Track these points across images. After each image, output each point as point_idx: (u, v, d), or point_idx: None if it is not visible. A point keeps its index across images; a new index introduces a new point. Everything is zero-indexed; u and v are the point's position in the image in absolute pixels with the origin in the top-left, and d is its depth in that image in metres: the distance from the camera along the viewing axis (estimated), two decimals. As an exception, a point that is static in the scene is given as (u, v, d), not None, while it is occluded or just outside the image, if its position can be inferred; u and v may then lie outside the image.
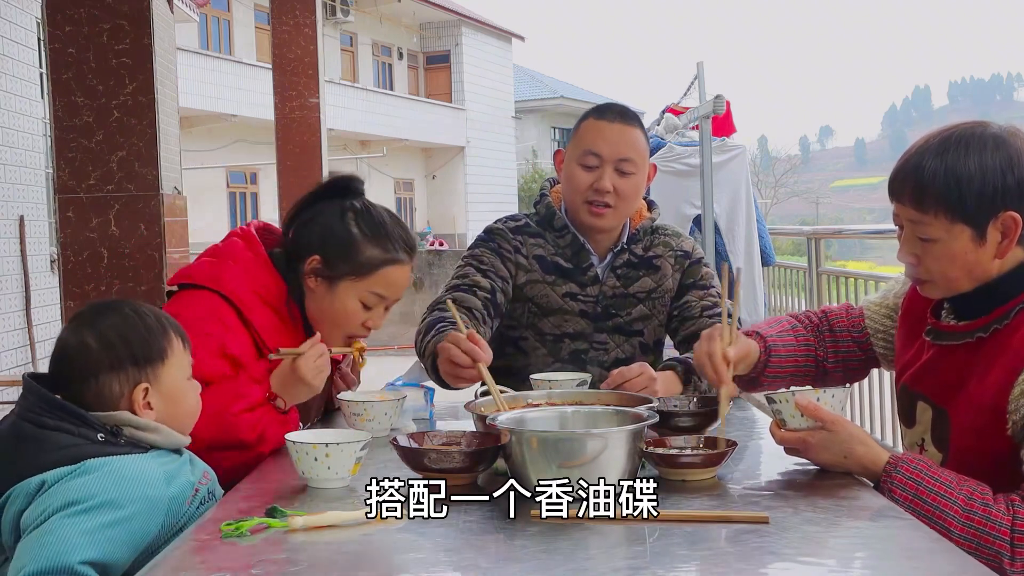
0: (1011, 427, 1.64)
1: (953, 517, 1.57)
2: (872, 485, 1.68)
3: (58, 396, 1.63)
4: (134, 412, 1.65)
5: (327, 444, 1.63)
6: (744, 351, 1.94)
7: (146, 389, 1.66)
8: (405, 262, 2.11)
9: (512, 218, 2.53)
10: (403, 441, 1.68)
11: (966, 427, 1.73)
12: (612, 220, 2.38)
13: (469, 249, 2.50)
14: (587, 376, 2.22)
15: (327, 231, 2.07)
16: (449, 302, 2.18)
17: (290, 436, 1.69)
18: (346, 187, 2.14)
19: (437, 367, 2.15)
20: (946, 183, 1.66)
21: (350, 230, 2.07)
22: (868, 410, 4.87)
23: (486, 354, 1.99)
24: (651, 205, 2.56)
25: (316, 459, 1.63)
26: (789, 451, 1.77)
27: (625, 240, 2.45)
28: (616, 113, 2.38)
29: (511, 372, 2.41)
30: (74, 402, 1.63)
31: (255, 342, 2.01)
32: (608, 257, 2.45)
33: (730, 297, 1.95)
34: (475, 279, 2.39)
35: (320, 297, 2.08)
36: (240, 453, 1.88)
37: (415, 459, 1.64)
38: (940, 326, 1.81)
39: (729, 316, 1.90)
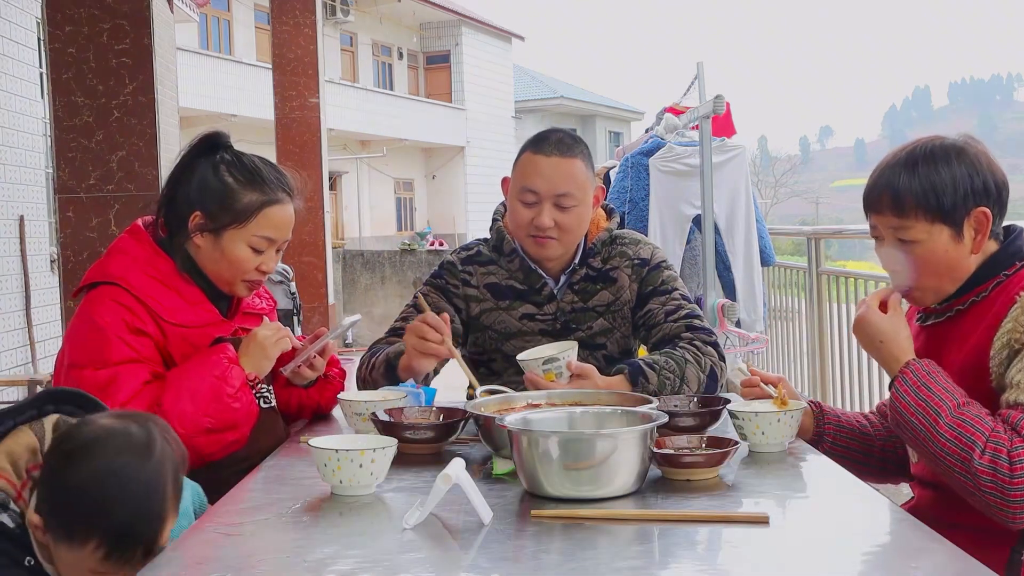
0: (994, 379, 1.75)
1: (945, 408, 1.70)
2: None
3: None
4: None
5: (374, 449, 1.62)
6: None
7: (49, 546, 1.50)
8: (285, 201, 2.14)
9: (466, 248, 2.58)
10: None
11: None
12: (558, 250, 2.38)
13: (424, 283, 2.55)
14: (572, 344, 2.22)
15: (202, 186, 2.11)
16: (420, 296, 2.35)
17: (317, 443, 1.66)
18: (213, 144, 2.16)
19: (390, 373, 2.27)
20: (923, 190, 1.82)
21: (225, 180, 2.11)
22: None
23: (450, 336, 2.18)
24: (610, 213, 2.54)
25: (361, 465, 1.61)
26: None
27: (578, 260, 2.44)
28: (553, 145, 2.33)
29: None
30: None
31: (154, 320, 2.06)
32: (563, 278, 2.45)
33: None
34: None
35: (209, 251, 2.11)
36: (233, 432, 2.03)
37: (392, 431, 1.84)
38: (928, 309, 1.95)
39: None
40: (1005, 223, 1.90)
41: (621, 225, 2.58)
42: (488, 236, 2.54)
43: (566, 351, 2.18)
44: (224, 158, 2.13)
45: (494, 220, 2.52)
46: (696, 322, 2.39)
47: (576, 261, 2.43)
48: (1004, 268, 1.83)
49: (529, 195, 2.32)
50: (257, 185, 2.11)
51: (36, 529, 1.48)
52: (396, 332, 2.49)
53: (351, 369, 2.43)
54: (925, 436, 1.71)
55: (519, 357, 2.21)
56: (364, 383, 2.36)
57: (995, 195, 1.83)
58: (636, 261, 2.45)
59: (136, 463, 1.46)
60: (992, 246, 1.86)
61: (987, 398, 1.75)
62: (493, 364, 2.47)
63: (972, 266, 1.85)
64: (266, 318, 2.24)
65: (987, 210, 1.81)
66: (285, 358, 2.19)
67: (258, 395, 2.15)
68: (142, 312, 2.04)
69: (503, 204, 2.54)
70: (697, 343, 2.33)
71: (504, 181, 2.46)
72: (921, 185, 1.81)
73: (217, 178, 2.10)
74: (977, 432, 1.66)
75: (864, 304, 1.87)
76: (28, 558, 1.49)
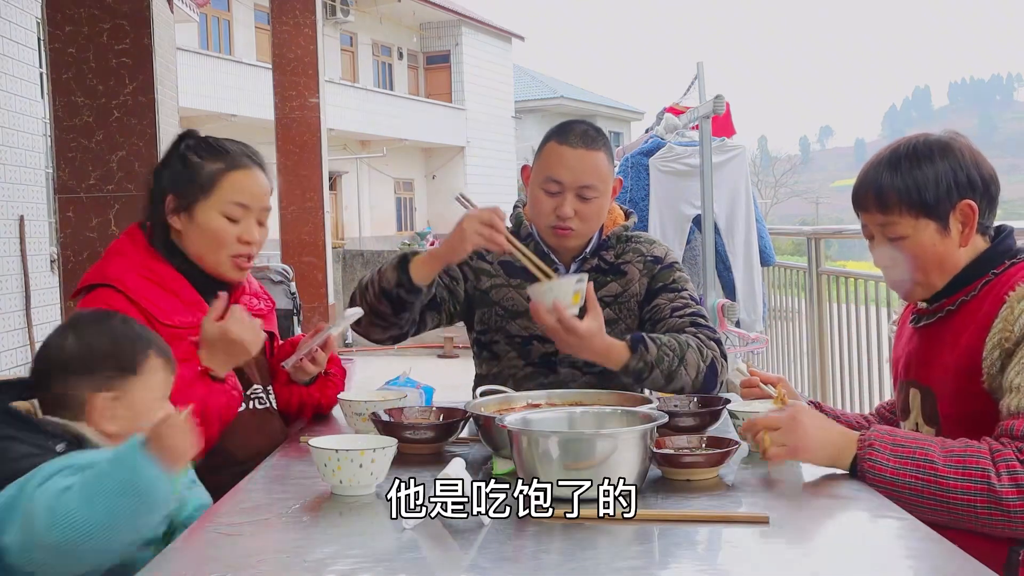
0: (986, 380, 1.74)
1: (933, 451, 1.66)
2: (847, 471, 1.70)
3: (20, 401, 1.64)
4: (96, 419, 1.64)
5: (374, 449, 1.63)
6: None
7: (111, 398, 1.66)
8: (249, 167, 2.14)
9: None
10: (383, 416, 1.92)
11: (947, 395, 1.84)
12: (577, 239, 2.42)
13: None
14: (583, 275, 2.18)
15: (171, 171, 2.13)
16: (460, 196, 2.31)
17: (317, 443, 1.67)
18: (182, 138, 2.19)
19: (403, 266, 2.20)
20: (906, 188, 1.82)
21: (188, 159, 2.13)
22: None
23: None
24: (628, 213, 2.58)
25: (361, 465, 1.62)
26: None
27: (590, 250, 2.46)
28: (578, 137, 2.36)
29: (487, 378, 2.44)
30: (50, 403, 1.64)
31: (149, 323, 2.04)
32: (573, 266, 2.47)
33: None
34: None
35: (188, 232, 2.11)
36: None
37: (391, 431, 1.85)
38: (919, 311, 1.96)
39: None
40: (997, 223, 1.90)
41: (626, 227, 2.61)
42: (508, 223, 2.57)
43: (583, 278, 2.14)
44: (189, 144, 2.16)
45: (515, 208, 2.57)
46: (701, 320, 2.41)
47: (588, 250, 2.46)
48: (993, 267, 1.83)
49: (553, 185, 2.35)
50: (219, 156, 2.12)
51: (105, 402, 1.66)
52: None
53: (351, 369, 2.43)
54: (931, 489, 1.63)
55: (531, 290, 2.16)
56: (364, 290, 2.29)
57: (981, 188, 1.82)
58: (649, 258, 2.49)
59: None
60: (982, 244, 1.86)
61: (981, 399, 1.75)
62: (495, 346, 2.48)
63: (962, 259, 1.84)
64: (236, 308, 2.09)
65: (972, 203, 1.81)
66: (285, 352, 2.19)
67: (252, 396, 2.14)
68: (138, 315, 2.03)
69: (525, 196, 2.57)
70: (701, 336, 2.34)
71: (524, 169, 2.49)
72: (904, 182, 1.82)
73: (181, 159, 2.13)
74: (979, 458, 1.62)
75: (782, 416, 1.73)
76: (59, 444, 1.58)
